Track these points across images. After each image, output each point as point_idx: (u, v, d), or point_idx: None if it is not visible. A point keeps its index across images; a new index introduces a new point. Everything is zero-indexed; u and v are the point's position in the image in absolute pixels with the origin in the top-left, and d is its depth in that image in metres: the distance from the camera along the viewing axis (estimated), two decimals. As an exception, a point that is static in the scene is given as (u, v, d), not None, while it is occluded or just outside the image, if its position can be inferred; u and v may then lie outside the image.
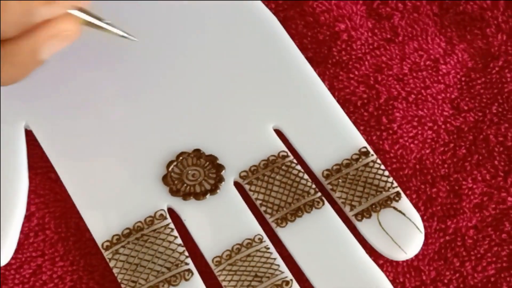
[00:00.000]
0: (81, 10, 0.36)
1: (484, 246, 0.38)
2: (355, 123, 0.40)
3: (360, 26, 0.43)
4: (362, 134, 0.40)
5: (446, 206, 0.39)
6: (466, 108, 0.41)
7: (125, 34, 0.38)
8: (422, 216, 0.39)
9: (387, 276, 0.38)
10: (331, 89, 0.41)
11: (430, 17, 0.44)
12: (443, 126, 0.41)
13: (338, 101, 0.41)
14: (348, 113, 0.41)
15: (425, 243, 0.38)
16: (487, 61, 0.42)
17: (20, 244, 0.39)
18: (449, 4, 0.44)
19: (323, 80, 0.41)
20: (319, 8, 0.43)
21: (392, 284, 0.37)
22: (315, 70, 0.41)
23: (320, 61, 0.42)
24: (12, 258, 0.38)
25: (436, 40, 0.43)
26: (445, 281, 0.38)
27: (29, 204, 0.39)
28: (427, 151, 0.40)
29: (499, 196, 0.39)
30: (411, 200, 0.39)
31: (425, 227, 0.39)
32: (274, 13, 0.43)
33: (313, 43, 0.43)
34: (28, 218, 0.39)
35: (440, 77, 0.42)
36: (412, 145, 0.40)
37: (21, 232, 0.39)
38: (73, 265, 0.39)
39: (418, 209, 0.39)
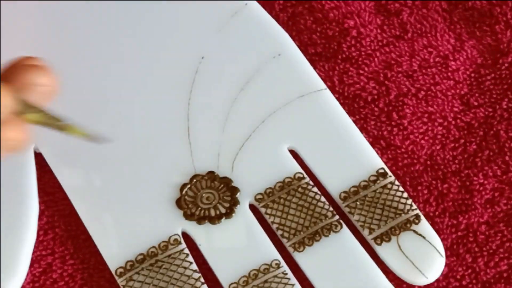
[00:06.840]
0: (34, 109, 0.31)
1: (496, 241, 0.38)
2: (365, 118, 0.40)
3: (369, 23, 0.43)
4: (373, 128, 0.40)
5: (458, 201, 0.39)
6: (476, 104, 0.41)
7: (90, 136, 0.32)
8: (433, 212, 0.39)
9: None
10: (341, 84, 0.41)
11: (439, 13, 0.43)
12: (453, 122, 0.41)
13: (348, 96, 0.41)
14: (359, 108, 0.41)
15: (437, 239, 0.38)
16: (496, 57, 0.42)
17: (30, 242, 0.39)
18: (458, -1, 0.44)
19: (333, 75, 0.41)
20: (328, 5, 0.43)
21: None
22: (324, 65, 0.41)
23: (329, 56, 0.42)
24: (22, 256, 0.38)
25: (445, 36, 0.43)
26: (458, 277, 0.38)
27: (38, 202, 0.39)
28: (438, 147, 0.40)
29: (511, 191, 0.39)
30: (422, 196, 0.39)
31: (436, 223, 0.38)
32: (282, 9, 0.42)
33: (322, 39, 0.42)
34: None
35: (449, 74, 0.42)
36: (422, 141, 0.40)
37: (31, 230, 0.39)
38: (83, 263, 0.38)
39: (429, 204, 0.39)
